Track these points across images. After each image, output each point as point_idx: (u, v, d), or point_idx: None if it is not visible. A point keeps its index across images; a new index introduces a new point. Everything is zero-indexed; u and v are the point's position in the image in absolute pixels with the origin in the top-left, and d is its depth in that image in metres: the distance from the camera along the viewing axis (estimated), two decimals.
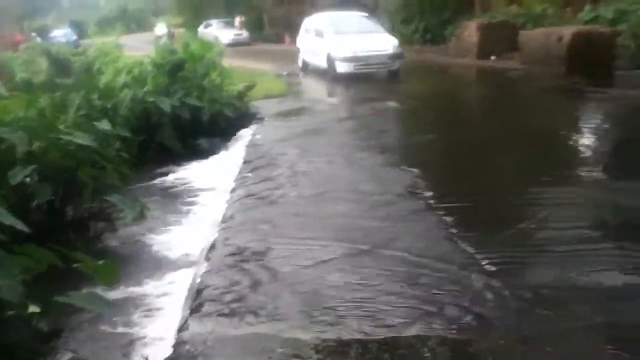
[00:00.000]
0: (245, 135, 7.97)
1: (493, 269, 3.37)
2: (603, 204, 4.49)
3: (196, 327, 3.02)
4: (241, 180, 5.64)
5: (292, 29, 30.75)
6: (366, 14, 14.60)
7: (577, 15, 16.00)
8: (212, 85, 8.46)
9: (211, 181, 6.32)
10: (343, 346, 2.73)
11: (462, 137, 7.32)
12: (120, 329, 3.38)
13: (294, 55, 15.96)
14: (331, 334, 2.81)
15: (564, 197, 4.63)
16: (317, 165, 5.98)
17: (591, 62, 10.52)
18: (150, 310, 3.63)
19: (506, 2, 19.54)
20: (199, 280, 3.62)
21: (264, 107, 9.48)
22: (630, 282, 3.20)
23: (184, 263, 4.30)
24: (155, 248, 4.63)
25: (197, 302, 3.32)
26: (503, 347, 2.66)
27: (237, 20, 31.85)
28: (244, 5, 33.58)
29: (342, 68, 11.90)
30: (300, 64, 14.95)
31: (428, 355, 2.61)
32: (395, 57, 12.11)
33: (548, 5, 17.01)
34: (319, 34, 13.09)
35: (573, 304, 2.98)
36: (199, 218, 5.29)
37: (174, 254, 4.51)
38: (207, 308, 3.22)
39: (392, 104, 9.62)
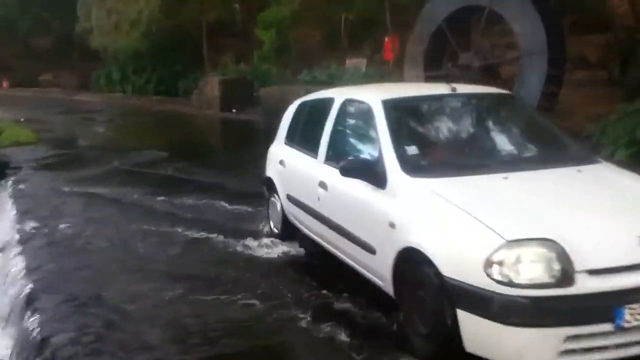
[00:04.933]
0: (2, 185, 7.28)
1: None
2: None
3: None
4: (32, 232, 5.28)
5: (7, 70, 27.52)
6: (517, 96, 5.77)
7: (296, 76, 18.47)
8: None
9: None
10: (233, 357, 3.08)
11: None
12: None
13: (17, 100, 14.41)
14: (214, 351, 3.12)
15: None
16: (110, 211, 5.93)
17: None
18: None
19: (233, 60, 21.33)
20: (36, 330, 3.47)
21: (14, 155, 8.70)
22: None
23: None
24: None
25: (47, 350, 3.22)
26: None
27: None
28: None
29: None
30: (272, 223, 5.05)
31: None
32: None
33: (271, 65, 19.22)
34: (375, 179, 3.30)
35: None
36: None
37: None
38: (65, 352, 3.16)
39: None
